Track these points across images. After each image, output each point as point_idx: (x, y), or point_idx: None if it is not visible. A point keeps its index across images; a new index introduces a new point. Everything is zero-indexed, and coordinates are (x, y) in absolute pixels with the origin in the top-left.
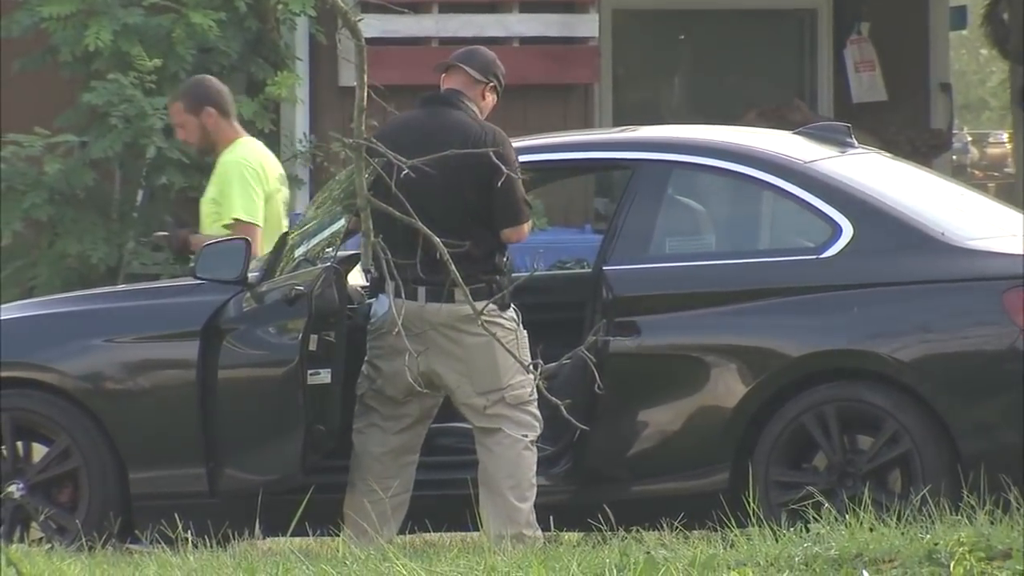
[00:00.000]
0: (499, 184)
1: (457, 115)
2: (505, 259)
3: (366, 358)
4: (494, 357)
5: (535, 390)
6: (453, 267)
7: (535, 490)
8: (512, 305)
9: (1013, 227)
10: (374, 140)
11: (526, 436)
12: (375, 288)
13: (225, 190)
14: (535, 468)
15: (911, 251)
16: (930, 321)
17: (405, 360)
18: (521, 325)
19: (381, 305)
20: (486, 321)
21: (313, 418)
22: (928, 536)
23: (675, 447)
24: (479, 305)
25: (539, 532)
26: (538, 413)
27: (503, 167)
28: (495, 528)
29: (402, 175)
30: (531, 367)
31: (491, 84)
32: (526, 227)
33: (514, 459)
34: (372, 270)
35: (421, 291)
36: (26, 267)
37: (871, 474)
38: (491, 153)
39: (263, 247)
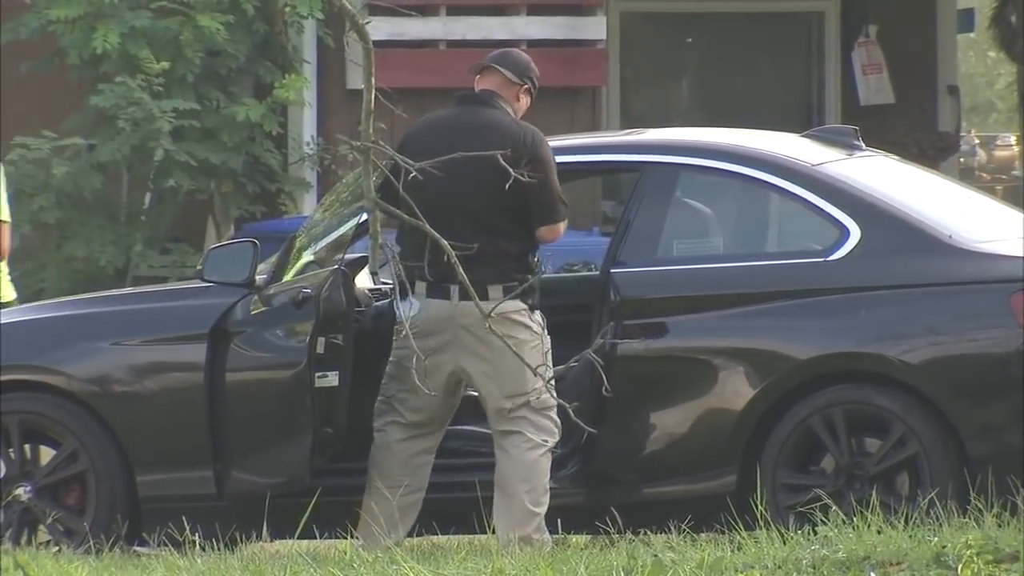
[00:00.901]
0: (535, 183)
1: (494, 113)
2: (536, 259)
3: (392, 358)
4: (520, 362)
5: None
6: (461, 270)
7: (548, 495)
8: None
9: (1020, 230)
10: (382, 143)
11: (546, 442)
12: (402, 289)
13: None
14: (549, 474)
15: (918, 254)
16: (938, 324)
17: (435, 359)
18: (546, 330)
19: (411, 306)
20: (513, 321)
21: (321, 421)
22: (936, 539)
23: (683, 449)
24: (490, 305)
25: (547, 536)
26: (558, 420)
27: (529, 170)
28: (505, 531)
29: (427, 174)
30: (537, 370)
31: (526, 86)
32: (561, 226)
33: (531, 463)
34: (400, 271)
35: (454, 289)
36: (34, 270)
37: (879, 477)
38: (525, 154)
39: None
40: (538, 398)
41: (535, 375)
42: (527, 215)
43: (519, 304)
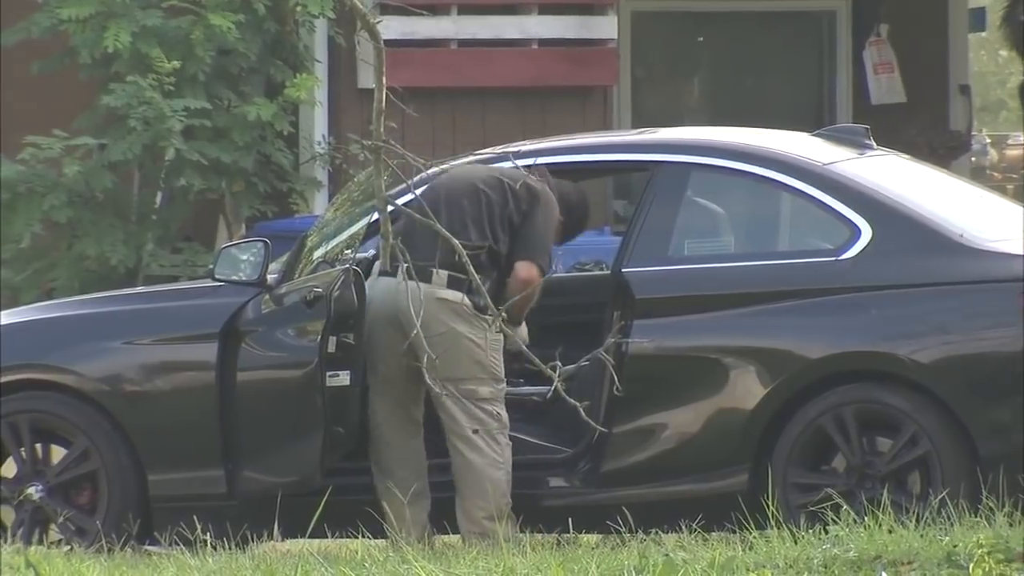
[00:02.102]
0: (526, 220)
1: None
2: (489, 268)
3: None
4: (455, 349)
5: (499, 394)
6: (472, 269)
7: (498, 485)
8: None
9: None
10: (393, 142)
11: (476, 432)
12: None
13: None
14: (490, 469)
15: (930, 253)
16: (948, 323)
17: (389, 339)
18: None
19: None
20: (454, 311)
21: (332, 420)
22: (947, 538)
23: (694, 449)
24: (456, 295)
25: (501, 527)
26: (497, 411)
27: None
28: (462, 526)
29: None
30: (551, 368)
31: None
32: (535, 272)
33: (461, 450)
34: (411, 269)
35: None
36: (45, 269)
37: (890, 476)
38: (526, 192)
39: None
40: (464, 387)
41: (546, 372)
42: (499, 242)
43: (464, 297)
